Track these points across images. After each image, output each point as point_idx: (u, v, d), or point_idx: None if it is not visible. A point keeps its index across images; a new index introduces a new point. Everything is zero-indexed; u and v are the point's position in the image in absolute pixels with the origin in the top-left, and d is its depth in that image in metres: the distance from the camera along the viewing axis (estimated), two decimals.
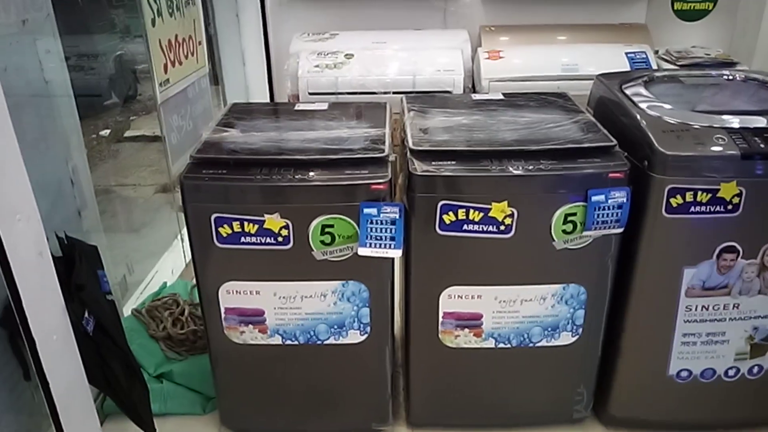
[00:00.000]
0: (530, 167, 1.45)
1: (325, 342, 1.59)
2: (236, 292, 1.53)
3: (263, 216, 1.43)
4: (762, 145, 1.43)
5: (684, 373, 1.66)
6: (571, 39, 3.15)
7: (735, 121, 1.51)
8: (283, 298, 1.53)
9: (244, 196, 1.43)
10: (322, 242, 1.46)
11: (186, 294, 2.24)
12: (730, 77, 1.90)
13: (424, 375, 1.71)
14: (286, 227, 1.44)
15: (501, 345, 1.63)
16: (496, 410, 1.77)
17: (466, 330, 1.61)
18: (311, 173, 1.43)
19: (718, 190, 1.43)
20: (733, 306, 1.57)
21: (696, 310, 1.57)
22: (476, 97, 1.96)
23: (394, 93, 2.71)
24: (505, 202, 1.45)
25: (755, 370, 1.66)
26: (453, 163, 1.47)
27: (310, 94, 2.87)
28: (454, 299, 1.58)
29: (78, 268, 1.44)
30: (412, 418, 1.80)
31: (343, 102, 1.96)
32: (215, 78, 3.26)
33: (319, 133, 1.63)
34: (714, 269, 1.52)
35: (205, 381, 1.82)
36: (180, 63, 2.21)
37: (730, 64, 2.91)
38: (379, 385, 1.68)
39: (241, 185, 1.42)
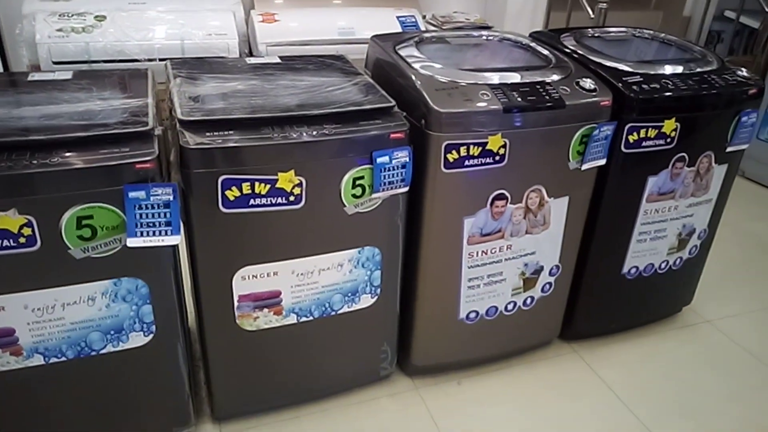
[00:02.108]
0: (314, 132, 1.38)
1: (102, 352, 1.37)
2: None
3: None
4: (519, 99, 1.56)
5: (472, 315, 1.79)
6: (345, 3, 3.16)
7: (495, 78, 1.62)
8: (38, 309, 1.27)
9: None
10: (80, 237, 1.23)
11: None
12: (489, 38, 2.05)
13: (225, 365, 1.59)
14: (29, 225, 1.18)
15: (303, 319, 1.58)
16: (305, 385, 1.73)
17: (266, 310, 1.53)
18: (56, 156, 1.18)
19: (487, 143, 1.53)
20: (507, 247, 1.72)
21: (477, 255, 1.69)
22: (252, 61, 1.83)
23: (160, 60, 2.44)
24: (292, 171, 1.37)
25: (528, 301, 1.86)
26: (231, 132, 1.34)
27: (55, 63, 2.43)
28: (248, 280, 1.47)
29: None
30: (218, 413, 1.67)
31: (93, 70, 1.67)
32: None
33: (63, 107, 1.36)
34: (489, 216, 1.65)
35: None
36: None
37: (486, 28, 3.18)
38: (175, 385, 1.51)
39: None
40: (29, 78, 1.55)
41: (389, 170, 1.46)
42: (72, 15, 2.52)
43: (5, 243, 1.18)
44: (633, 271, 1.96)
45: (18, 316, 1.26)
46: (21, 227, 1.17)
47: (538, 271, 1.82)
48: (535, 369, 1.95)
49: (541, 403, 1.82)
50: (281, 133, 1.37)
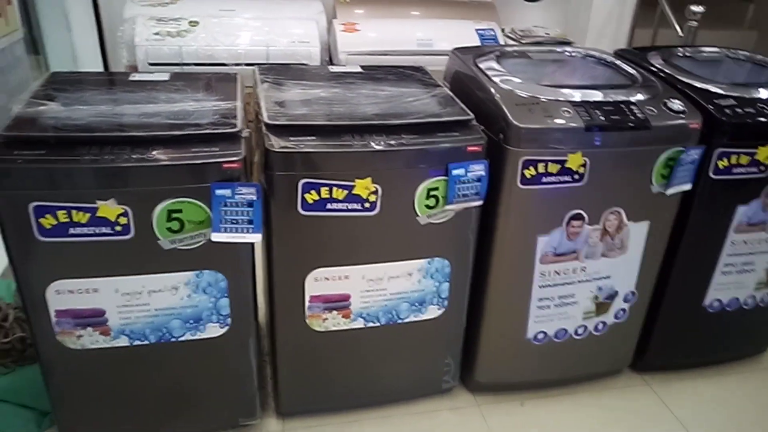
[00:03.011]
0: (392, 142, 1.41)
1: (180, 339, 1.44)
2: (69, 291, 1.32)
3: (95, 203, 1.23)
4: (601, 118, 1.52)
5: (540, 335, 1.76)
6: (424, 14, 3.18)
7: (577, 95, 1.59)
8: (127, 294, 1.35)
9: (70, 180, 1.22)
10: (170, 229, 1.30)
11: (10, 296, 1.91)
12: (572, 54, 2.01)
13: (292, 362, 1.63)
14: (125, 214, 1.26)
15: (370, 324, 1.60)
16: (367, 390, 1.74)
17: (335, 312, 1.56)
18: (152, 152, 1.26)
19: (566, 160, 1.51)
20: (581, 269, 1.68)
21: (549, 275, 1.66)
22: (334, 69, 1.88)
23: (246, 65, 2.54)
24: (369, 179, 1.40)
25: (600, 326, 1.80)
26: (313, 138, 1.38)
27: (151, 64, 2.59)
28: (320, 281, 1.50)
29: None
30: (282, 408, 1.71)
31: (187, 72, 1.77)
32: (34, 46, 2.83)
33: (161, 106, 1.44)
34: (564, 236, 1.61)
35: (38, 394, 1.57)
36: None
37: (567, 43, 3.13)
38: (244, 378, 1.57)
39: (66, 167, 1.21)
40: (130, 78, 1.66)
41: (464, 183, 1.47)
42: (169, 20, 2.68)
43: (103, 230, 1.26)
44: (715, 304, 1.86)
45: (109, 299, 1.35)
46: (118, 216, 1.26)
47: (612, 296, 1.76)
48: (603, 398, 1.89)
49: None
50: (360, 141, 1.40)
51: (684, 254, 1.75)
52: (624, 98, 1.60)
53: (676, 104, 1.61)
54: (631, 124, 1.53)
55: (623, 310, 1.80)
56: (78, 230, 1.25)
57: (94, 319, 1.36)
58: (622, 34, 3.43)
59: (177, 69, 2.61)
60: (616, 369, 1.96)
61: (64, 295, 1.32)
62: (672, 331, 1.89)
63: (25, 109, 1.36)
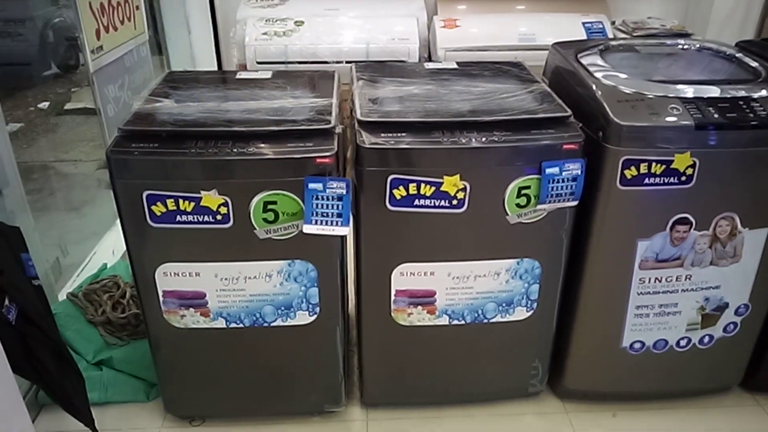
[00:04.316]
0: (483, 139, 1.39)
1: (272, 324, 1.52)
2: (174, 274, 1.43)
3: (200, 193, 1.33)
4: (716, 115, 1.41)
5: (637, 345, 1.66)
6: (529, 8, 3.09)
7: (689, 91, 1.48)
8: (225, 279, 1.45)
9: (178, 171, 1.33)
10: (265, 220, 1.37)
11: (128, 276, 2.12)
12: (685, 47, 1.87)
13: (378, 354, 1.66)
14: (225, 204, 1.34)
15: (455, 322, 1.59)
16: (451, 387, 1.74)
17: (420, 307, 1.57)
18: (251, 146, 1.33)
19: (672, 161, 1.41)
20: (686, 277, 1.56)
21: (649, 282, 1.56)
22: (429, 65, 1.89)
23: (347, 62, 2.61)
24: (458, 176, 1.39)
25: (706, 339, 1.67)
26: (403, 135, 1.39)
27: (259, 63, 2.73)
28: (406, 276, 1.52)
29: None
30: (366, 398, 1.75)
31: (289, 71, 1.85)
32: (158, 47, 3.08)
33: (261, 103, 1.52)
34: (667, 241, 1.51)
35: (148, 366, 1.72)
36: (115, 29, 2.06)
37: (684, 35, 2.90)
38: (331, 366, 1.62)
39: (175, 159, 1.31)
40: (237, 76, 1.76)
41: (558, 182, 1.41)
42: (276, 20, 2.81)
43: (206, 218, 1.36)
44: None
45: (209, 283, 1.45)
46: (219, 206, 1.35)
47: (722, 308, 1.62)
48: (707, 416, 1.75)
49: None
50: (450, 137, 1.39)
51: None
52: (744, 94, 1.47)
53: None
54: (752, 123, 1.40)
55: (734, 323, 1.65)
56: (184, 218, 1.35)
57: (196, 300, 1.47)
58: (750, 25, 3.12)
59: (282, 67, 2.74)
60: (725, 386, 1.81)
61: (171, 277, 1.44)
62: None
63: (144, 105, 1.49)
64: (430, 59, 2.87)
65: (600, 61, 1.65)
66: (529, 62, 1.87)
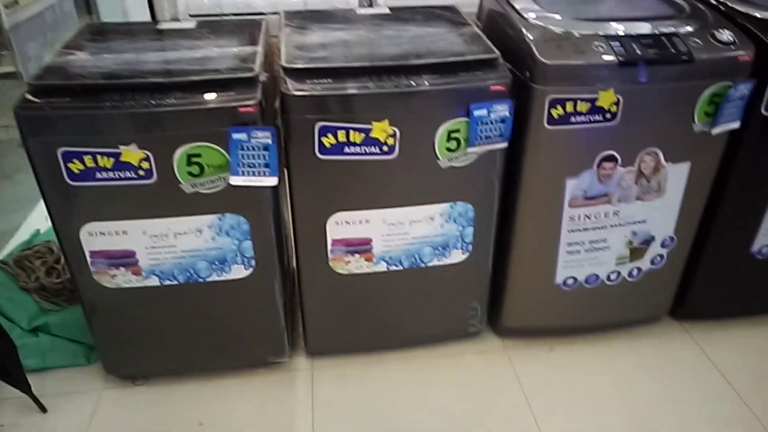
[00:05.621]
0: (411, 83, 1.37)
1: (208, 279, 1.50)
2: (100, 233, 1.40)
3: (118, 148, 1.28)
4: (638, 52, 1.43)
5: (570, 281, 1.72)
6: None
7: (619, 29, 1.48)
8: (155, 236, 1.42)
9: (94, 126, 1.27)
10: (190, 174, 1.34)
11: None
12: None
13: (318, 304, 1.67)
14: (147, 159, 1.30)
15: (393, 267, 1.61)
16: (393, 332, 1.77)
17: (357, 255, 1.57)
18: (170, 97, 1.29)
19: (597, 98, 1.43)
20: (613, 213, 1.61)
21: (579, 219, 1.60)
22: (361, 11, 1.84)
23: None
24: (386, 121, 1.38)
25: (634, 272, 1.74)
26: (329, 81, 1.37)
27: (191, 16, 2.62)
28: (341, 225, 1.52)
29: None
30: (310, 348, 1.77)
31: (214, 21, 1.78)
32: (86, 4, 2.92)
33: (183, 53, 1.46)
34: (595, 179, 1.55)
35: (86, 330, 1.70)
36: None
37: None
38: (272, 318, 1.63)
39: (89, 113, 1.26)
40: (158, 26, 1.68)
41: (487, 124, 1.42)
42: None
43: (128, 174, 1.32)
44: (765, 250, 1.75)
45: (138, 241, 1.42)
46: (140, 161, 1.30)
47: (648, 241, 1.69)
48: (637, 345, 1.84)
49: (639, 381, 1.72)
50: (378, 82, 1.37)
51: (730, 198, 1.65)
52: (667, 30, 1.49)
53: (726, 35, 1.48)
54: (670, 58, 1.43)
55: (661, 255, 1.72)
56: (104, 174, 1.31)
57: (126, 259, 1.44)
58: None
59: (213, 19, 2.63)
60: (654, 316, 1.90)
61: (96, 237, 1.40)
62: (715, 278, 1.80)
63: (55, 59, 1.41)
64: (371, 6, 2.80)
65: (532, 4, 1.64)
66: (466, 8, 1.85)
